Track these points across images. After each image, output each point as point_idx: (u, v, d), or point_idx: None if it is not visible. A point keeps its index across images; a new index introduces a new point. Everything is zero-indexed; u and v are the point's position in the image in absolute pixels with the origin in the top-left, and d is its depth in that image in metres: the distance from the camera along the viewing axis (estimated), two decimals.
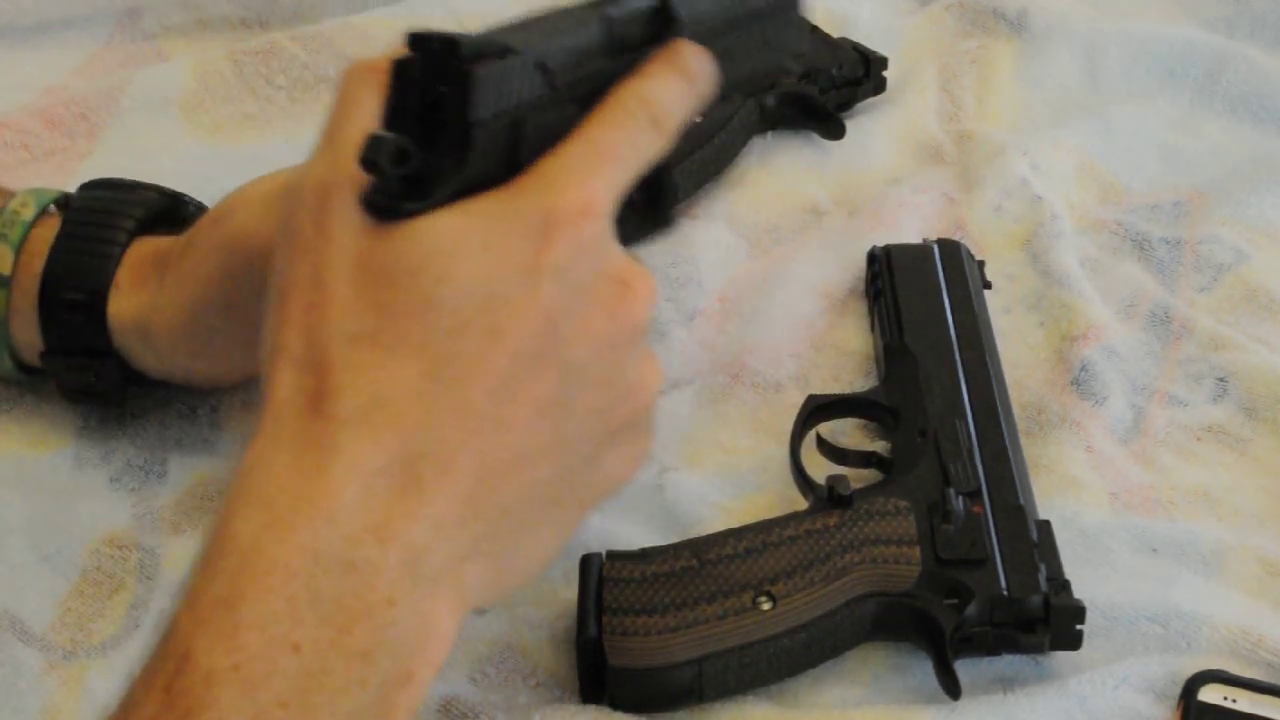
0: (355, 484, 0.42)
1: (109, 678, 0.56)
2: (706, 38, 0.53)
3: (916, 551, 0.56)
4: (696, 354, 0.70)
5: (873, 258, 0.71)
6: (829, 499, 0.58)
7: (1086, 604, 0.56)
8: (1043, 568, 0.56)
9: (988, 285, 0.70)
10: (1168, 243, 0.75)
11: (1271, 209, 0.76)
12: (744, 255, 0.75)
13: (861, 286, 0.72)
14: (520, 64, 0.47)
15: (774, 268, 0.74)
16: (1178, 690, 0.55)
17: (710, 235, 0.75)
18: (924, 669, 0.56)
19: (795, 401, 0.65)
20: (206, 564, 0.41)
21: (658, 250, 0.74)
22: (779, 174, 0.79)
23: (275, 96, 0.83)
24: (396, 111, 0.46)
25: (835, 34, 0.84)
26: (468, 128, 0.45)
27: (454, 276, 0.43)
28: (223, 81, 0.83)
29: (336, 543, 0.41)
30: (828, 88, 0.80)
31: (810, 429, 0.64)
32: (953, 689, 0.54)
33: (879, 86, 0.83)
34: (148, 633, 0.58)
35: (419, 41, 0.45)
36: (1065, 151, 0.80)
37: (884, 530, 0.57)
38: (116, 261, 0.61)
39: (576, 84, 0.49)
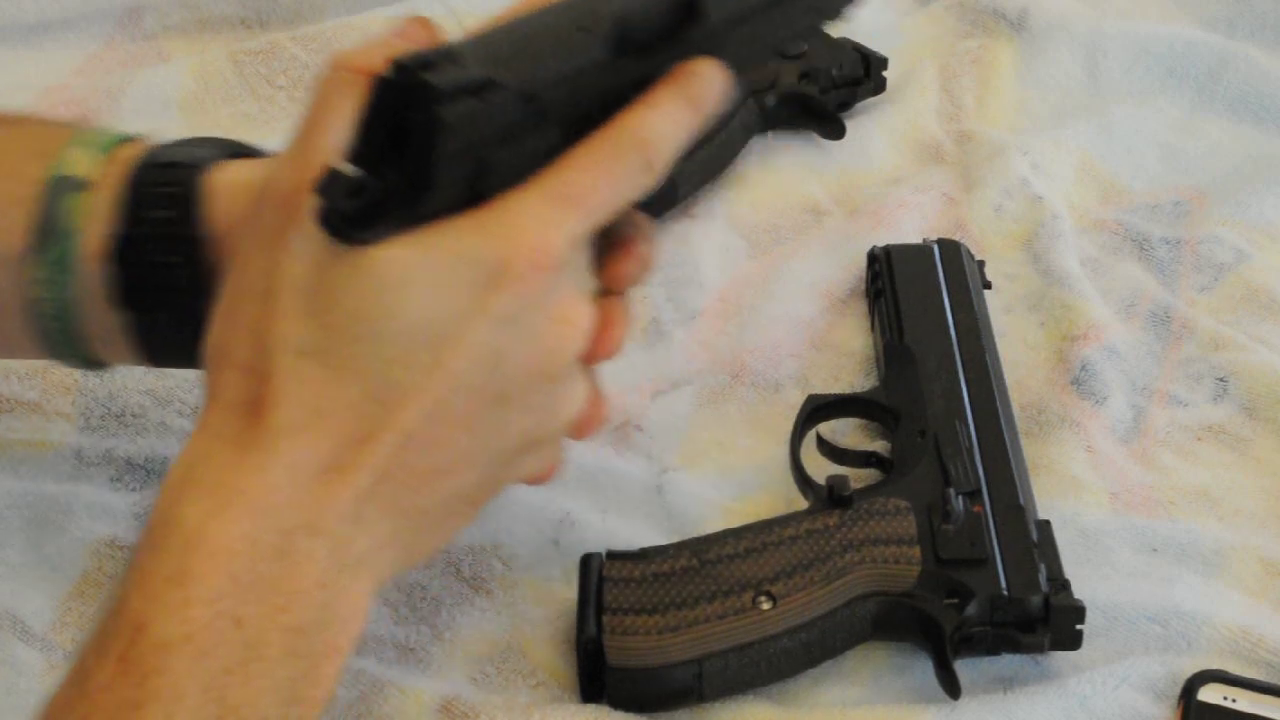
0: (290, 484, 0.45)
1: None
2: (731, 25, 0.50)
3: (916, 551, 0.56)
4: (696, 354, 0.70)
5: (873, 258, 0.71)
6: (829, 499, 0.58)
7: (1086, 604, 0.56)
8: (1043, 568, 0.56)
9: (988, 285, 0.70)
10: (1168, 242, 0.75)
11: (1272, 209, 0.76)
12: (744, 255, 0.75)
13: (861, 286, 0.72)
14: (501, 99, 0.45)
15: (774, 268, 0.74)
16: (1178, 690, 0.55)
17: (710, 235, 0.75)
18: (924, 669, 0.56)
19: (795, 401, 0.65)
20: (153, 545, 0.45)
21: (658, 250, 0.74)
22: (779, 174, 0.79)
23: (275, 96, 0.83)
24: (365, 129, 0.45)
25: (835, 34, 0.83)
26: (430, 169, 0.45)
27: (402, 312, 0.45)
28: (223, 81, 0.83)
29: (272, 533, 0.45)
30: (828, 88, 0.80)
31: (810, 429, 0.64)
32: (953, 689, 0.54)
33: (879, 86, 0.83)
34: None
35: (399, 68, 0.44)
36: (1065, 151, 0.80)
37: (884, 530, 0.57)
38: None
39: (570, 109, 0.47)
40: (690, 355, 0.70)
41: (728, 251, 0.75)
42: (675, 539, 0.60)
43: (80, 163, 0.55)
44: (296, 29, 0.86)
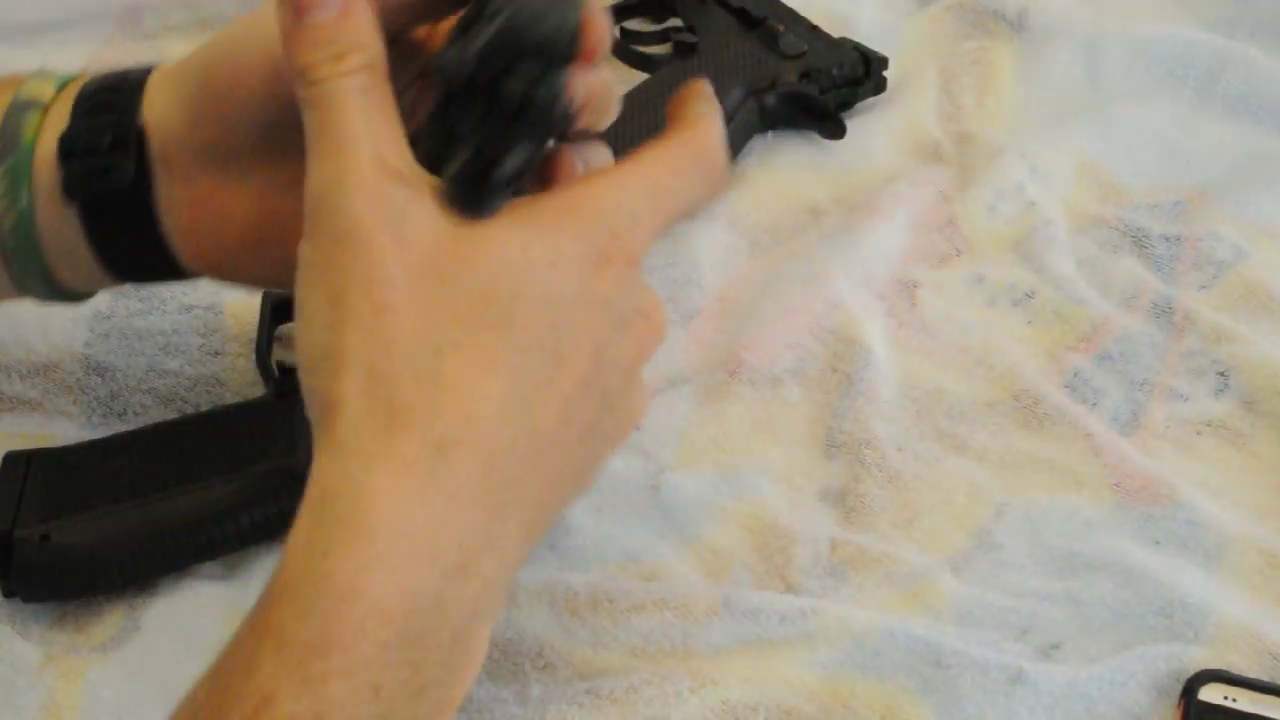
0: (455, 518, 0.41)
1: (109, 673, 0.56)
2: None
3: None
4: (694, 353, 0.70)
5: None
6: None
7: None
8: None
9: None
10: (1167, 239, 0.75)
11: (1271, 207, 0.76)
12: (744, 255, 0.75)
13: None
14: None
15: (774, 267, 0.74)
16: (1179, 689, 0.55)
17: (710, 235, 0.75)
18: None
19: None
20: (298, 602, 0.40)
21: (658, 250, 0.74)
22: (779, 174, 0.79)
23: None
24: (470, 97, 0.45)
25: (835, 34, 0.84)
26: (551, 118, 0.45)
27: (525, 294, 0.43)
28: None
29: (434, 581, 0.40)
30: (828, 88, 0.80)
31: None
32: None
33: (879, 86, 0.83)
34: (147, 635, 0.58)
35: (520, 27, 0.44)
36: (1065, 152, 0.80)
37: None
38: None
39: None
40: (688, 354, 0.70)
41: (728, 251, 0.75)
42: (672, 540, 0.60)
43: (39, 89, 0.56)
44: None
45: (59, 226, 0.55)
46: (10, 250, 0.56)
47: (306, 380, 0.44)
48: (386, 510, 0.40)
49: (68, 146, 0.54)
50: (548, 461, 0.43)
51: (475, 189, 0.44)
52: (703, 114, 0.49)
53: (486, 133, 0.45)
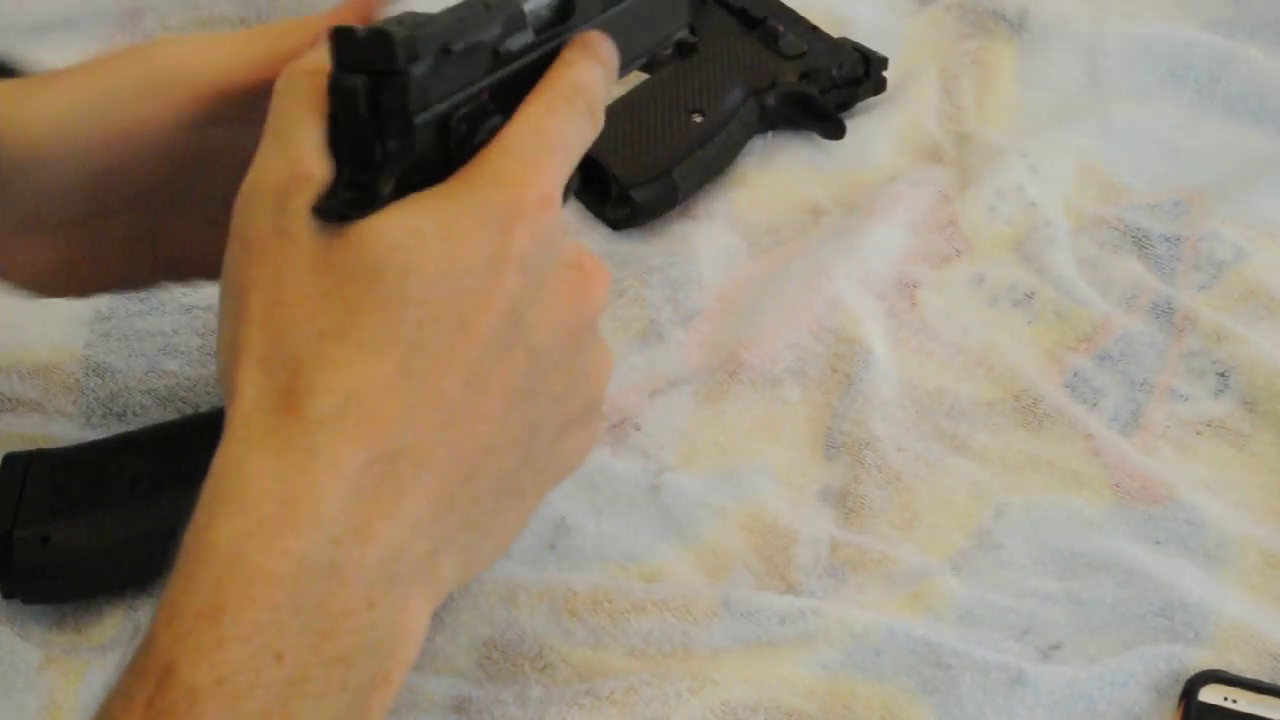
0: (338, 486, 0.42)
1: (109, 674, 0.56)
2: (599, 23, 0.54)
3: None
4: (694, 353, 0.70)
5: None
6: None
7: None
8: None
9: None
10: (1167, 239, 0.75)
11: (1271, 208, 0.76)
12: (744, 255, 0.75)
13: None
14: (450, 60, 0.47)
15: (774, 267, 0.74)
16: (1179, 689, 0.55)
17: (710, 235, 0.75)
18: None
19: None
20: (185, 574, 0.41)
21: (658, 250, 0.74)
22: (779, 174, 0.79)
23: None
24: (339, 121, 0.46)
25: (835, 34, 0.84)
26: (410, 129, 0.46)
27: (418, 270, 0.44)
28: None
29: (321, 546, 0.41)
30: (828, 88, 0.80)
31: None
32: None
33: (879, 86, 0.83)
34: None
35: (346, 31, 0.45)
36: (1065, 152, 0.80)
37: None
38: None
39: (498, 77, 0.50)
40: (688, 354, 0.70)
41: (728, 251, 0.75)
42: (672, 540, 0.60)
43: None
44: None
45: None
46: None
47: (218, 376, 0.46)
48: (265, 483, 0.41)
49: None
50: (461, 429, 0.44)
51: (338, 206, 0.45)
52: (566, 60, 0.51)
53: (348, 151, 0.46)
